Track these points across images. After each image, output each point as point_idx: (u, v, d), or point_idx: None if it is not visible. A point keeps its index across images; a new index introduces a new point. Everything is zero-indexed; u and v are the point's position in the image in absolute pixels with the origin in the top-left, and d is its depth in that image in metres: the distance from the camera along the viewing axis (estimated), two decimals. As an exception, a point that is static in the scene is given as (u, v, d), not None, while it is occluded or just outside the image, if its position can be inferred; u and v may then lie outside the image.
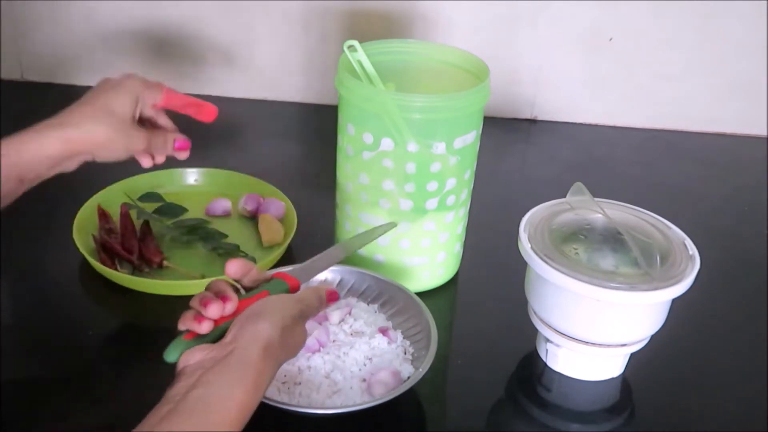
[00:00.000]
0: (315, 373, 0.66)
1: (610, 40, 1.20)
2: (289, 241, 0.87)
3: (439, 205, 0.79)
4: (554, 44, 1.20)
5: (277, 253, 0.85)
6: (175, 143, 0.76)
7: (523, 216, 0.73)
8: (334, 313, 0.72)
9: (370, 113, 0.75)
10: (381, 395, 0.65)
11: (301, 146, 1.20)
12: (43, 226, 0.91)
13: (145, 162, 0.77)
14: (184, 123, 0.79)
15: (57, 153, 0.68)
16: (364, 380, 0.67)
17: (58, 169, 0.70)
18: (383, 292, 0.77)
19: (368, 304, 0.77)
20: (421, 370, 0.66)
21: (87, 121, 0.69)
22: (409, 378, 0.67)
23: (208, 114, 0.80)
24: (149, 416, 0.47)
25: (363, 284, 0.77)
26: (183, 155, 0.78)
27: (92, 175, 1.02)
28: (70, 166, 0.71)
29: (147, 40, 1.24)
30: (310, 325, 0.66)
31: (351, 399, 0.65)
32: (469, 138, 0.78)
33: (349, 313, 0.73)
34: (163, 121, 0.78)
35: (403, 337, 0.73)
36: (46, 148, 0.67)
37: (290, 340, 0.55)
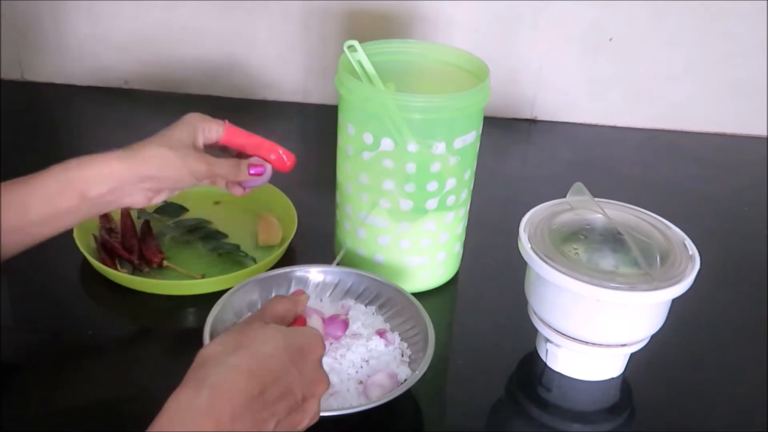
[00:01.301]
0: None
1: (610, 40, 1.20)
2: (289, 241, 0.87)
3: (439, 205, 0.79)
4: (554, 44, 1.20)
5: (277, 254, 0.85)
6: (249, 169, 0.75)
7: (523, 216, 0.73)
8: (330, 315, 0.72)
9: (370, 113, 0.75)
10: (377, 398, 0.65)
11: (301, 146, 1.20)
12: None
13: (236, 191, 0.77)
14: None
15: (118, 172, 0.69)
16: (361, 382, 0.67)
17: (127, 197, 0.71)
18: (381, 294, 0.77)
19: (366, 305, 0.76)
20: (417, 372, 0.66)
21: (147, 145, 0.71)
22: (405, 380, 0.67)
23: (280, 162, 0.77)
24: None
25: (361, 286, 0.77)
26: (261, 180, 0.77)
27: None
28: (141, 197, 0.72)
29: (147, 40, 1.24)
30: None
31: (347, 401, 0.65)
32: (469, 138, 0.78)
33: (346, 315, 0.73)
34: (235, 155, 0.78)
35: (401, 339, 0.72)
36: (107, 165, 0.69)
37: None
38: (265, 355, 0.52)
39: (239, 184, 0.77)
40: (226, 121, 0.76)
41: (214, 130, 0.75)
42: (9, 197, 0.66)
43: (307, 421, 0.54)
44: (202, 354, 0.51)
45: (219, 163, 0.74)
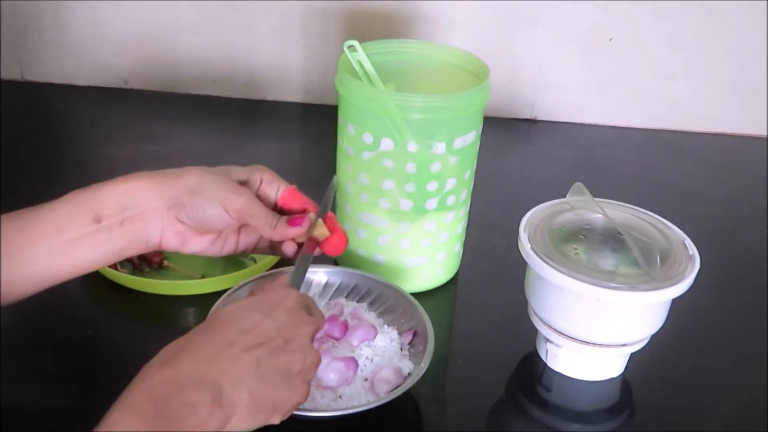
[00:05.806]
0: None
1: (610, 40, 1.20)
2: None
3: (439, 205, 0.79)
4: (554, 44, 1.20)
5: (277, 253, 0.85)
6: (288, 221, 0.64)
7: (523, 216, 0.73)
8: (328, 316, 0.72)
9: (370, 113, 0.75)
10: (385, 393, 0.65)
11: (301, 146, 1.20)
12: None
13: (288, 248, 0.66)
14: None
15: (134, 187, 0.60)
16: (367, 379, 0.67)
17: (151, 225, 0.60)
18: (371, 290, 0.77)
19: (366, 306, 0.76)
20: (422, 365, 0.66)
21: (184, 169, 0.62)
22: (410, 374, 0.67)
23: (332, 246, 0.67)
24: None
25: (350, 283, 0.77)
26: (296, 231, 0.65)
27: (92, 175, 1.02)
28: (171, 232, 0.61)
29: (147, 40, 1.24)
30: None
31: (356, 399, 0.65)
32: (469, 138, 0.78)
33: (341, 313, 0.73)
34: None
35: (399, 334, 0.72)
36: (124, 182, 0.60)
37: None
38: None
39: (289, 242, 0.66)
40: (294, 186, 0.67)
41: (275, 184, 0.66)
42: (15, 224, 0.57)
43: (302, 361, 0.54)
44: None
45: (259, 204, 0.63)
